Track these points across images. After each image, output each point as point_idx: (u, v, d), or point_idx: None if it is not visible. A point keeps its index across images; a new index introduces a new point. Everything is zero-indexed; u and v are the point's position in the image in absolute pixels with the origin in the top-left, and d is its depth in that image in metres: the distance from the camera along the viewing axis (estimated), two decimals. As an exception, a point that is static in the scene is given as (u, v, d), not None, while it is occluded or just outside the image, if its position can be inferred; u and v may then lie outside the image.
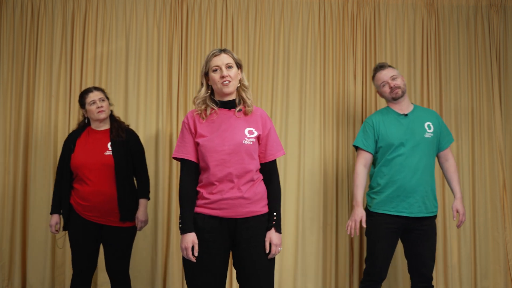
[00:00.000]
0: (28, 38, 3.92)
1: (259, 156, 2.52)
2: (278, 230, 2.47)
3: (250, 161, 2.45)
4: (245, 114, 2.52)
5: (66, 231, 3.25)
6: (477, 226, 3.96)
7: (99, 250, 3.22)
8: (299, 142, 3.95)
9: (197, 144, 2.49)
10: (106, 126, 3.27)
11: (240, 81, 2.53)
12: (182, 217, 2.45)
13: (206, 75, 2.53)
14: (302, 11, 4.05)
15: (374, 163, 3.28)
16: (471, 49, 4.11)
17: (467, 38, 4.11)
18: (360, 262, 3.91)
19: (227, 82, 2.46)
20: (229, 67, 2.48)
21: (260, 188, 2.49)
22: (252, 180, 2.45)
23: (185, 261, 2.46)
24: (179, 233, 3.80)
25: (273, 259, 2.49)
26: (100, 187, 3.09)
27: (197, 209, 2.46)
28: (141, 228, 3.24)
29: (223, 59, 2.48)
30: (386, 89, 3.25)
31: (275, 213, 2.48)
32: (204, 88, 2.53)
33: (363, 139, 3.25)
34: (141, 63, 3.95)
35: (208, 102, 2.51)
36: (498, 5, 4.15)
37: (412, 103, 3.37)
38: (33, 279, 3.76)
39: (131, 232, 3.21)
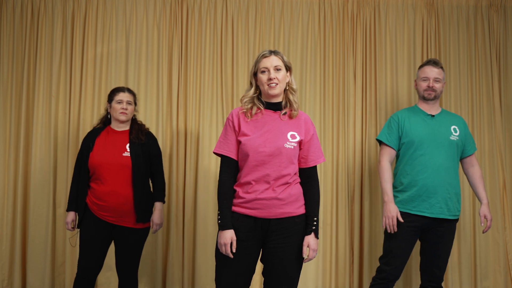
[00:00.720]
0: (28, 38, 3.92)
1: (299, 160, 2.53)
2: (317, 235, 2.49)
3: (288, 165, 2.46)
4: (290, 117, 2.52)
5: (78, 230, 3.24)
6: (477, 226, 3.96)
7: (107, 252, 3.22)
8: (299, 142, 3.95)
9: (239, 142, 2.49)
10: (126, 127, 3.28)
11: (288, 84, 2.54)
12: (221, 214, 2.46)
13: (255, 75, 2.54)
14: (302, 11, 4.05)
15: (397, 161, 3.27)
16: (471, 49, 4.11)
17: (467, 38, 4.11)
18: (360, 262, 3.91)
19: (273, 84, 2.47)
20: (277, 69, 2.48)
21: (296, 190, 2.50)
22: (287, 182, 2.46)
23: (218, 258, 2.47)
24: (179, 233, 3.83)
25: (301, 263, 2.50)
26: (117, 188, 3.09)
27: (233, 208, 2.47)
28: (155, 231, 3.27)
29: (272, 61, 2.48)
30: (423, 85, 3.25)
31: (315, 218, 2.49)
32: (253, 88, 2.54)
33: (387, 134, 3.26)
34: (141, 63, 3.95)
35: (256, 101, 2.52)
36: (498, 5, 4.15)
37: (441, 107, 3.39)
38: (33, 279, 3.77)
39: (144, 233, 3.22)
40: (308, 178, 2.55)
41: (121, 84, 3.89)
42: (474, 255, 3.95)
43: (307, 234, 2.48)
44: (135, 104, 3.34)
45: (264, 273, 2.52)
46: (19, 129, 3.87)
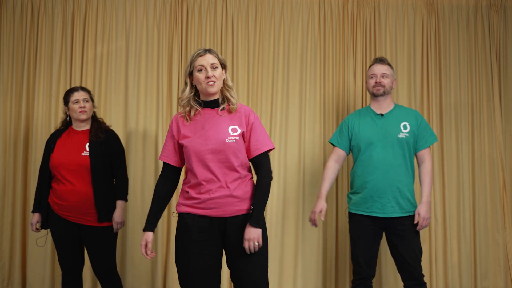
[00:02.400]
0: (28, 38, 3.92)
1: (246, 152, 2.51)
2: (253, 224, 2.41)
3: (234, 159, 2.45)
4: (229, 112, 2.52)
5: (48, 230, 3.25)
6: (477, 226, 3.96)
7: (83, 248, 3.22)
8: (299, 142, 3.95)
9: (181, 146, 2.52)
10: (87, 126, 3.27)
11: (224, 81, 2.54)
12: (148, 215, 2.54)
13: (190, 74, 2.53)
14: (302, 11, 4.05)
15: (353, 164, 3.34)
16: (471, 49, 4.11)
17: (467, 38, 4.11)
18: (360, 262, 3.92)
19: (212, 82, 2.46)
20: (214, 67, 2.48)
21: (250, 187, 2.50)
22: (240, 178, 2.46)
23: (178, 262, 2.47)
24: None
25: (265, 256, 2.48)
26: (76, 187, 3.10)
27: (187, 209, 2.48)
28: (117, 230, 3.22)
29: (208, 59, 2.47)
30: (371, 82, 3.30)
31: (251, 206, 2.44)
32: (188, 88, 2.53)
33: (338, 137, 3.37)
34: (141, 63, 3.95)
35: (192, 103, 2.52)
36: (498, 5, 4.15)
37: (394, 103, 3.38)
38: (33, 279, 3.77)
39: (110, 231, 3.19)
40: (258, 169, 2.52)
41: (121, 84, 3.89)
42: (474, 255, 3.95)
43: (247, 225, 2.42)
44: (92, 100, 3.32)
45: (232, 277, 2.50)
46: (19, 129, 3.87)
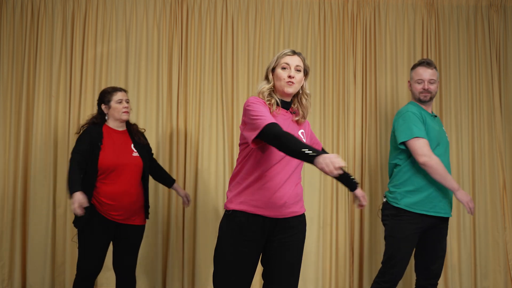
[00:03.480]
0: (28, 38, 3.92)
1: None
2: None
3: (299, 165, 2.44)
4: (297, 123, 2.50)
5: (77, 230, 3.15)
6: (477, 226, 3.96)
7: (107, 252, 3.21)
8: (299, 142, 3.95)
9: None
10: (124, 127, 3.28)
11: (302, 88, 2.49)
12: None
13: (272, 70, 2.48)
14: (302, 11, 4.05)
15: (408, 159, 3.12)
16: (471, 49, 4.11)
17: (467, 38, 4.11)
18: (360, 262, 3.91)
19: (291, 83, 2.42)
20: (297, 70, 2.44)
21: (301, 189, 2.49)
22: (297, 182, 2.45)
23: (219, 258, 2.40)
24: (179, 233, 3.83)
25: (300, 262, 2.48)
26: (130, 188, 3.11)
27: (242, 207, 2.38)
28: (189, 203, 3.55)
29: (295, 61, 2.45)
30: (418, 87, 3.17)
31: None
32: (271, 84, 2.46)
33: (422, 129, 3.04)
34: (141, 63, 3.95)
35: (274, 96, 2.45)
36: (498, 5, 4.15)
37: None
38: (33, 279, 3.76)
39: (143, 229, 3.27)
40: None
41: (121, 84, 3.88)
42: (474, 255, 3.95)
43: (355, 189, 2.81)
44: None
45: (264, 275, 2.47)
46: (19, 129, 3.86)
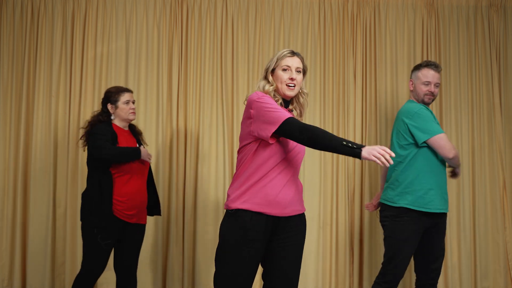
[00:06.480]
0: (28, 38, 3.92)
1: None
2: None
3: (301, 162, 2.46)
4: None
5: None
6: (477, 226, 3.96)
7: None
8: (299, 142, 3.95)
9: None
10: (127, 127, 3.31)
11: (300, 87, 2.47)
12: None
13: (272, 71, 2.45)
14: (302, 11, 4.05)
15: (418, 157, 3.08)
16: (471, 49, 4.11)
17: (467, 38, 4.11)
18: (360, 262, 3.91)
19: (292, 86, 2.40)
20: (298, 71, 2.43)
21: (302, 187, 2.49)
22: (298, 180, 2.45)
23: (221, 259, 2.37)
24: (179, 233, 3.83)
25: (301, 261, 2.46)
26: (142, 186, 3.20)
27: (245, 205, 2.34)
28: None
29: (295, 62, 2.42)
30: (423, 89, 3.14)
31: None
32: (273, 85, 2.42)
33: (436, 125, 3.05)
34: (141, 63, 3.95)
35: (278, 96, 2.43)
36: (498, 5, 4.15)
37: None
38: (33, 279, 3.76)
39: (144, 228, 3.30)
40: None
41: (121, 84, 3.88)
42: (474, 255, 3.95)
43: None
44: None
45: (264, 275, 2.45)
46: (19, 129, 3.86)
